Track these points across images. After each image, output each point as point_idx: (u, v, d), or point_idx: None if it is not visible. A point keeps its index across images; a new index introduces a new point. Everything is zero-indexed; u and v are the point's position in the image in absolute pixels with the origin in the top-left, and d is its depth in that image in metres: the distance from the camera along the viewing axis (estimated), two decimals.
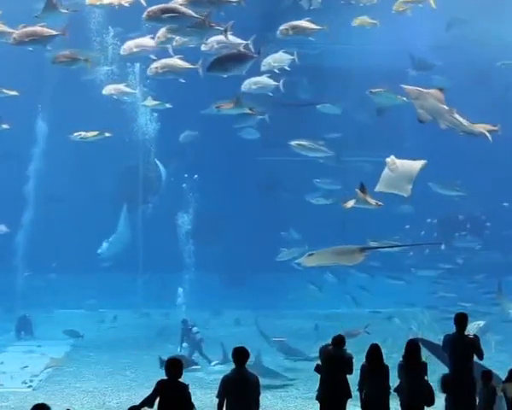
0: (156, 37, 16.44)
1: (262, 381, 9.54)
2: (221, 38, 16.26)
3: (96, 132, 18.62)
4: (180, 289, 21.64)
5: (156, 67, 16.76)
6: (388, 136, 23.60)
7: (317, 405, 10.47)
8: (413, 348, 10.25)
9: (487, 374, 10.34)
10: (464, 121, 14.78)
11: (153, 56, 17.13)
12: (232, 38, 16.19)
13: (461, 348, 10.29)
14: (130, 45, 17.35)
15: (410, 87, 14.97)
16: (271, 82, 17.94)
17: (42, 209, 23.40)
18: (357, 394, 10.27)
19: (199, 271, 22.13)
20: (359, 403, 10.26)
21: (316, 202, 21.83)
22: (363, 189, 14.31)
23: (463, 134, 15.11)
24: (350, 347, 10.54)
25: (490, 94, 23.39)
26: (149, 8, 14.56)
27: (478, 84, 23.62)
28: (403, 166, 15.27)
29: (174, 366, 8.90)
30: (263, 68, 17.98)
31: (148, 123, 22.57)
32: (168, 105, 19.45)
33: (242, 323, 22.21)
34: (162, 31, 16.07)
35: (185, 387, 8.86)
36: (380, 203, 14.53)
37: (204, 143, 23.60)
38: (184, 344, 18.15)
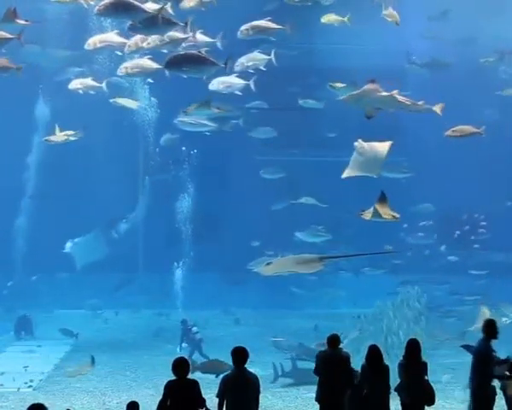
0: (127, 45, 16.47)
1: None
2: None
3: (63, 134, 18.47)
4: (180, 290, 21.64)
5: (126, 68, 16.77)
6: (387, 136, 23.63)
7: (317, 405, 10.50)
8: (413, 347, 10.27)
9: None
10: (408, 101, 14.96)
11: (119, 52, 17.14)
12: (200, 37, 16.18)
13: None
14: (94, 40, 17.24)
15: (346, 96, 15.20)
16: (240, 81, 17.93)
17: (39, 208, 23.41)
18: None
19: (199, 271, 22.16)
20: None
21: (305, 201, 21.56)
22: (383, 198, 14.32)
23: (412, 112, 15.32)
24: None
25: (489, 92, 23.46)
26: (101, 3, 14.32)
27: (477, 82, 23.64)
28: (371, 149, 15.46)
29: (181, 366, 9.11)
30: (236, 68, 17.99)
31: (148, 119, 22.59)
32: (138, 103, 19.45)
33: (242, 323, 22.22)
34: (133, 40, 16.14)
35: (195, 383, 9.05)
36: (397, 216, 14.59)
37: (204, 143, 23.57)
38: (184, 344, 18.15)
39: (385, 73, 24.01)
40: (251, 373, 9.43)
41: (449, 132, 16.64)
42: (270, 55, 18.02)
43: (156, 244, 23.76)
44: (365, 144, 15.44)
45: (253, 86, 18.13)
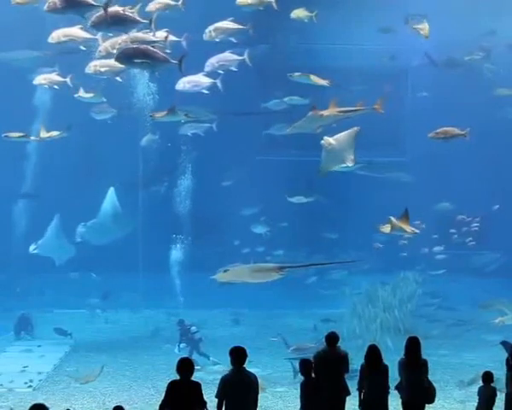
0: (97, 51, 16.50)
1: None
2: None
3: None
4: (179, 289, 21.63)
5: (95, 65, 16.78)
6: (386, 136, 23.68)
7: None
8: (413, 345, 10.27)
9: (488, 375, 10.36)
10: (349, 109, 15.12)
11: (82, 47, 17.09)
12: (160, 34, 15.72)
13: None
14: (58, 34, 17.11)
15: (290, 127, 15.42)
16: (206, 80, 17.88)
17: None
18: (357, 393, 10.30)
19: (199, 271, 22.13)
20: (358, 403, 10.29)
21: (293, 199, 21.31)
22: (406, 214, 14.39)
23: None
24: None
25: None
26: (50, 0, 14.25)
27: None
28: (338, 141, 15.60)
29: (186, 366, 9.08)
30: (206, 69, 18.03)
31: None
32: (104, 99, 19.43)
33: (241, 322, 22.21)
34: (104, 45, 16.17)
35: (198, 385, 9.01)
36: (416, 231, 14.65)
37: (204, 142, 23.56)
38: (182, 345, 18.06)
39: (384, 73, 24.30)
40: (250, 373, 9.42)
41: (432, 134, 16.74)
42: (243, 55, 18.10)
43: (156, 244, 23.71)
44: (331, 140, 15.50)
45: (220, 85, 18.04)
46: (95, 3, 14.14)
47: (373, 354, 10.17)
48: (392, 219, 14.51)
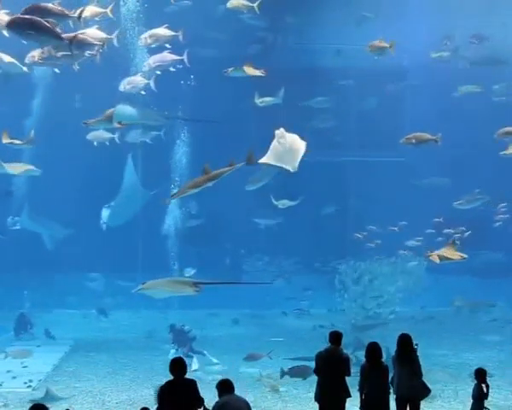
0: (29, 56, 16.29)
1: None
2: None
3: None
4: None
5: (33, 56, 16.40)
6: (386, 136, 23.69)
7: (317, 405, 10.49)
8: (405, 341, 10.32)
9: (481, 372, 10.34)
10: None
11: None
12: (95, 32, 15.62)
13: None
14: None
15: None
16: (142, 81, 17.97)
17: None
18: (357, 394, 10.31)
19: (198, 271, 22.15)
20: (358, 403, 10.30)
21: (278, 203, 21.10)
22: (453, 242, 14.50)
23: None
24: None
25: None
26: None
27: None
28: (292, 141, 15.23)
29: (178, 365, 9.07)
30: (144, 69, 18.15)
31: None
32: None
33: (241, 323, 22.20)
34: (37, 51, 16.00)
35: (192, 383, 9.01)
36: (464, 256, 14.68)
37: (203, 142, 23.55)
38: (175, 350, 17.85)
39: (384, 73, 24.31)
40: (241, 399, 9.22)
41: (403, 140, 16.79)
42: (182, 55, 18.16)
43: (155, 245, 23.70)
44: (287, 135, 15.24)
45: (153, 85, 18.11)
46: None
47: (373, 351, 10.20)
48: (445, 249, 14.60)
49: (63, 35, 14.04)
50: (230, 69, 16.66)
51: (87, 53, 15.27)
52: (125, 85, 17.93)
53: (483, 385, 10.22)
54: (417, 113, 24.11)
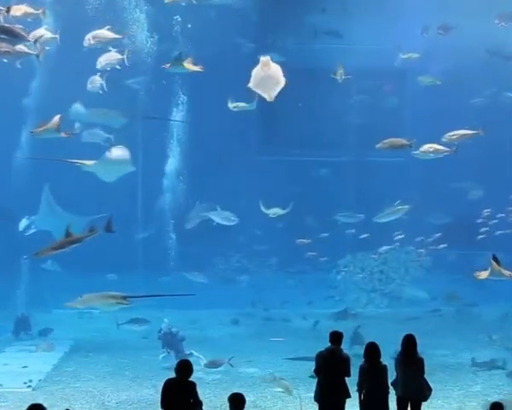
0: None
1: None
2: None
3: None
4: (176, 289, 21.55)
5: None
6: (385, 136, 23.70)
7: (317, 405, 10.49)
8: (409, 342, 10.31)
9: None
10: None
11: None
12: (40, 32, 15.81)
13: None
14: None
15: None
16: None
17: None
18: (356, 394, 10.30)
19: (196, 270, 22.18)
20: (359, 404, 10.30)
21: (269, 212, 19.89)
22: (496, 260, 14.53)
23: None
24: None
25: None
26: None
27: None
28: (274, 71, 14.97)
29: (185, 368, 9.14)
30: (97, 66, 18.73)
31: None
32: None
33: (240, 323, 22.17)
34: None
35: (192, 384, 9.07)
36: None
37: (203, 141, 23.57)
38: (164, 354, 17.79)
39: (383, 72, 24.34)
40: None
41: (379, 145, 16.78)
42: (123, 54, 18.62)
43: (154, 245, 23.70)
44: (272, 64, 14.86)
45: (104, 85, 18.83)
46: None
47: (372, 351, 10.20)
48: (494, 264, 14.55)
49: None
50: (168, 64, 16.62)
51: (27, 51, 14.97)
52: (88, 84, 18.60)
53: None
54: (417, 113, 24.16)
